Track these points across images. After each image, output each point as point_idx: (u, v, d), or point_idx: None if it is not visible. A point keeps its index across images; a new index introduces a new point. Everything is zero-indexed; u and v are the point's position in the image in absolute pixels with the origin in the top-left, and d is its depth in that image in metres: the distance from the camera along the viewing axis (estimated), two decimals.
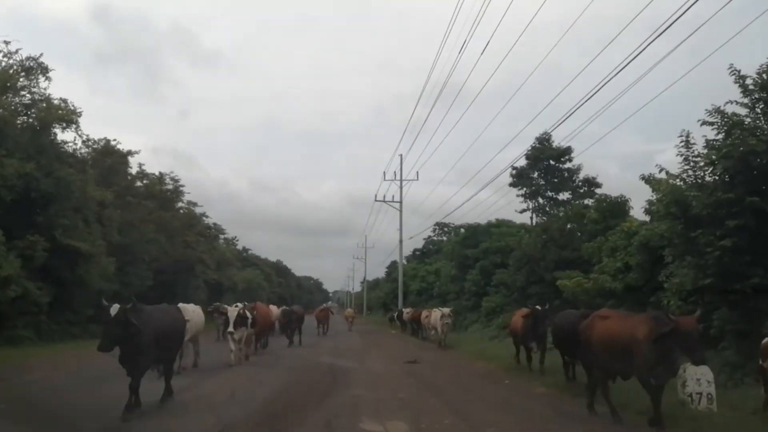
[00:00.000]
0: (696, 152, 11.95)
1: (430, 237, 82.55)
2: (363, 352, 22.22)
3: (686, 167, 12.19)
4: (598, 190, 42.43)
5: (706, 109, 11.54)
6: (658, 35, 12.04)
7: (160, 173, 42.23)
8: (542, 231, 27.99)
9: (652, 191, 17.91)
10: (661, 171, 12.88)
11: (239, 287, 64.69)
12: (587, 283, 20.53)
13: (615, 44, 15.80)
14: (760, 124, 11.14)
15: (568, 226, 27.06)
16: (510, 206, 76.96)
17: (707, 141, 11.48)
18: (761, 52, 20.00)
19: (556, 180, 45.00)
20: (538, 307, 15.83)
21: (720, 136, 11.62)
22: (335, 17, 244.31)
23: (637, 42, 13.07)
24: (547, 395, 11.78)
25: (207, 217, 49.30)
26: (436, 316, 25.20)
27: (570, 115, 19.72)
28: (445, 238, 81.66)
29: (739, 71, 11.31)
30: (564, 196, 44.90)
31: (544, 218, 44.89)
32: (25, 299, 23.11)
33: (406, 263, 58.76)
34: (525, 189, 46.01)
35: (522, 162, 43.15)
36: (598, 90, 16.01)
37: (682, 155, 12.20)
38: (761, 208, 10.58)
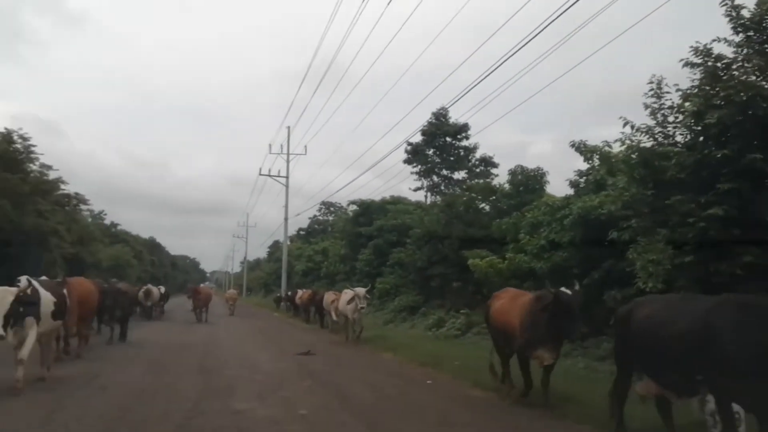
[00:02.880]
0: (671, 102, 9.74)
1: (315, 216, 79.63)
2: (246, 341, 18.75)
3: (655, 122, 9.97)
4: (494, 170, 41.31)
5: (691, 47, 9.32)
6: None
7: (6, 129, 36.06)
8: (446, 206, 25.75)
9: (585, 160, 16.11)
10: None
11: (104, 264, 58.63)
12: (501, 263, 18.50)
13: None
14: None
15: (475, 201, 24.97)
16: (396, 188, 75.45)
17: (697, 85, 9.21)
18: None
19: (452, 158, 43.35)
20: (564, 289, 8.24)
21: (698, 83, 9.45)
22: None
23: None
24: (485, 401, 9.27)
25: (65, 183, 43.11)
26: (345, 299, 18.55)
27: (468, 91, 17.72)
28: (331, 218, 79.13)
29: (732, 1, 9.13)
30: (460, 175, 43.36)
31: (438, 198, 43.32)
32: None
33: (290, 243, 55.21)
34: (420, 166, 44.03)
35: (417, 138, 41.06)
36: (492, 71, 14.98)
37: (648, 107, 9.97)
38: (761, 169, 8.45)
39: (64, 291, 10.70)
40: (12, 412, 7.43)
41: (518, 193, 21.63)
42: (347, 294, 18.45)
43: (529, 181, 21.57)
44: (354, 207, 41.59)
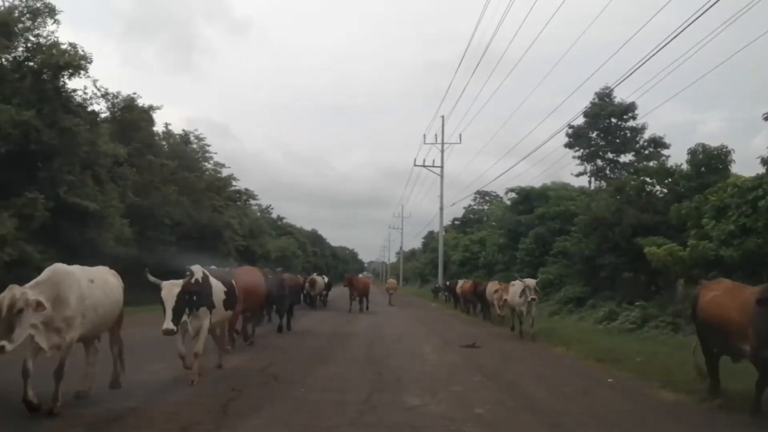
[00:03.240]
0: None
1: (470, 206, 78.67)
2: (408, 332, 18.64)
3: None
4: (665, 152, 38.20)
5: None
6: None
7: (184, 131, 39.16)
8: (615, 191, 23.98)
9: None
10: None
11: (272, 255, 62.06)
12: (682, 251, 16.80)
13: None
14: None
15: (648, 185, 23.04)
16: (555, 175, 72.44)
17: None
18: None
19: (617, 140, 40.72)
20: None
21: None
22: None
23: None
24: (678, 405, 8.20)
25: (236, 180, 46.11)
26: (515, 291, 17.17)
27: (635, 70, 17.15)
28: (486, 207, 77.78)
29: None
30: (626, 158, 40.64)
31: (602, 183, 40.85)
32: (23, 264, 20.13)
33: (445, 233, 54.88)
34: (582, 150, 41.87)
35: (579, 120, 38.94)
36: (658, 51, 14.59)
37: None
38: None
39: (233, 281, 10.52)
40: (191, 401, 7.61)
41: (699, 175, 19.58)
42: (516, 285, 17.35)
43: (712, 161, 19.43)
44: (513, 194, 40.33)
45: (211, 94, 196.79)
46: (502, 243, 40.59)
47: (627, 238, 21.50)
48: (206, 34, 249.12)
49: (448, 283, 35.98)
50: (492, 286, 22.09)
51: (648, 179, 22.96)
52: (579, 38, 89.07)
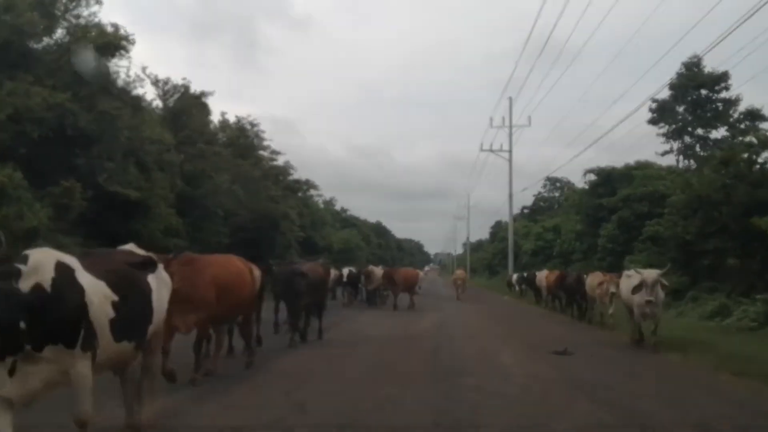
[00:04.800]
0: None
1: (540, 193, 74.82)
2: (482, 334, 15.66)
3: None
4: (764, 125, 33.97)
5: None
6: None
7: (237, 117, 37.50)
8: (720, 165, 20.54)
9: None
10: None
11: (335, 247, 60.34)
12: None
13: None
14: None
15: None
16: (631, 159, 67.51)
17: None
18: None
19: (708, 114, 36.64)
20: None
21: None
22: None
23: None
24: None
25: (293, 168, 44.30)
26: (628, 285, 12.11)
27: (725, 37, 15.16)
28: (557, 194, 73.90)
29: None
30: (718, 133, 36.54)
31: (691, 162, 36.91)
32: None
33: (514, 222, 51.57)
34: (668, 126, 37.95)
35: (664, 94, 35.09)
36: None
37: None
38: None
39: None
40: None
41: None
42: (630, 278, 12.45)
43: None
44: (591, 176, 36.76)
45: (274, 91, 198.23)
46: (579, 230, 37.37)
47: (738, 218, 18.27)
48: (268, 33, 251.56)
49: (525, 274, 32.42)
50: (594, 278, 17.14)
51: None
52: (653, 14, 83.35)
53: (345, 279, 26.08)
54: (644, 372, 9.67)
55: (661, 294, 11.79)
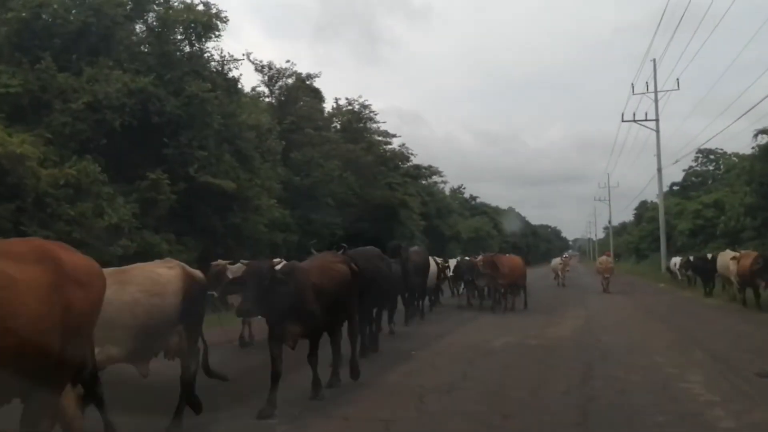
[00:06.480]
0: None
1: (691, 168, 66.74)
2: (648, 342, 11.22)
3: None
4: None
5: None
6: None
7: (347, 99, 35.03)
8: None
9: None
10: None
11: (463, 236, 56.98)
12: None
13: None
14: None
15: None
16: None
17: None
18: None
19: None
20: None
21: None
22: None
23: None
24: None
25: (412, 153, 41.19)
26: None
27: None
28: (711, 168, 65.79)
29: None
30: None
31: None
32: (147, 256, 16.77)
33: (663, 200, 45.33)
34: None
35: None
36: None
37: None
38: None
39: None
40: None
41: None
42: None
43: None
44: (764, 138, 30.27)
45: (399, 84, 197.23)
46: (750, 203, 31.25)
47: None
48: (389, 26, 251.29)
49: (691, 257, 25.22)
50: None
51: None
52: None
53: (451, 272, 21.39)
54: None
55: None
